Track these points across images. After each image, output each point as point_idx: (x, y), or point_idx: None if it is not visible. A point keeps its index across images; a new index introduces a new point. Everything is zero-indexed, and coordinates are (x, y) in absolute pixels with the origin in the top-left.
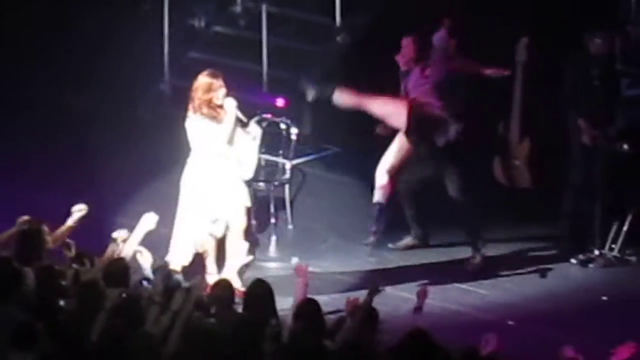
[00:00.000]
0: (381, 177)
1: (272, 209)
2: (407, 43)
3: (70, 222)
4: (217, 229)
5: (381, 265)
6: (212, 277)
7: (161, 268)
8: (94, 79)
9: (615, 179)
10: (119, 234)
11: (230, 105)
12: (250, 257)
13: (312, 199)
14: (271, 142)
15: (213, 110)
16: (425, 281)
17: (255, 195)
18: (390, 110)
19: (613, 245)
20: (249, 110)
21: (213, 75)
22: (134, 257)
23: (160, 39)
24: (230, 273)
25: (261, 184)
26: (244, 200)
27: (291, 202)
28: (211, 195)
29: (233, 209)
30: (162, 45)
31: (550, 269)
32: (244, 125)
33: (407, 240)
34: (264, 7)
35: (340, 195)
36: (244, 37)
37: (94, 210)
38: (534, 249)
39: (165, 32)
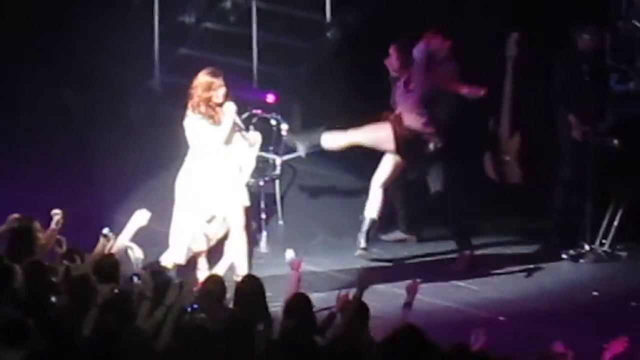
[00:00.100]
0: (375, 191)
1: (262, 205)
2: (392, 51)
3: (53, 225)
4: (211, 229)
5: (372, 261)
6: (203, 273)
7: (152, 264)
8: (86, 77)
9: (606, 174)
10: (109, 231)
11: (229, 109)
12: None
13: (303, 194)
14: (261, 137)
15: (211, 109)
16: (415, 277)
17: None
18: (377, 138)
19: (604, 241)
20: (239, 106)
21: (213, 74)
22: (124, 253)
23: (151, 36)
24: (240, 271)
25: (251, 180)
26: (243, 199)
27: (281, 198)
28: (207, 194)
29: (231, 208)
30: (152, 42)
31: (540, 265)
32: (242, 129)
33: (398, 233)
34: (254, 3)
35: (331, 190)
36: (234, 33)
37: (91, 209)
38: (524, 244)
39: (156, 28)
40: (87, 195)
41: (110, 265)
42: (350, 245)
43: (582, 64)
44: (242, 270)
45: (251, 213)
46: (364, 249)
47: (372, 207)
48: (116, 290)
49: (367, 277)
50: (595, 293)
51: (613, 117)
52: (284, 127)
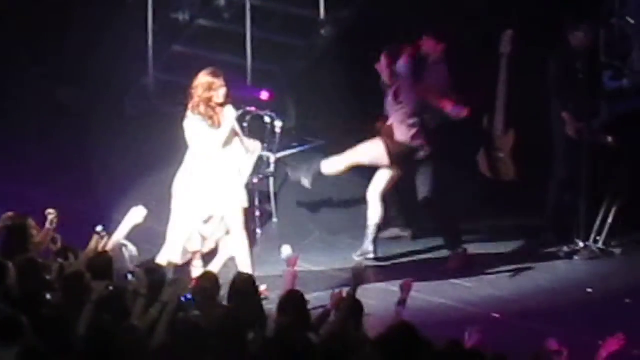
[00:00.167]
0: (375, 200)
1: (256, 202)
2: (382, 58)
3: (47, 225)
4: (208, 229)
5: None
6: (198, 272)
7: (147, 262)
8: (81, 75)
9: (600, 171)
10: (102, 229)
11: (229, 114)
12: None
13: (297, 192)
14: (256, 135)
15: (211, 109)
16: (410, 274)
17: None
18: (372, 157)
19: (598, 237)
20: (233, 103)
21: (214, 74)
22: (119, 250)
23: (145, 33)
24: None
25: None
26: (242, 201)
27: (275, 195)
28: (205, 195)
29: (230, 209)
30: (146, 40)
31: (535, 262)
32: (242, 136)
33: (393, 230)
34: (248, 1)
35: (325, 188)
36: (228, 31)
37: (87, 206)
38: (518, 241)
39: (150, 26)
40: (83, 193)
41: (104, 263)
42: (345, 243)
43: (575, 61)
44: (245, 269)
45: (249, 214)
46: (375, 258)
47: (375, 214)
48: (111, 288)
49: (362, 275)
50: (589, 290)
51: (607, 114)
52: (278, 124)
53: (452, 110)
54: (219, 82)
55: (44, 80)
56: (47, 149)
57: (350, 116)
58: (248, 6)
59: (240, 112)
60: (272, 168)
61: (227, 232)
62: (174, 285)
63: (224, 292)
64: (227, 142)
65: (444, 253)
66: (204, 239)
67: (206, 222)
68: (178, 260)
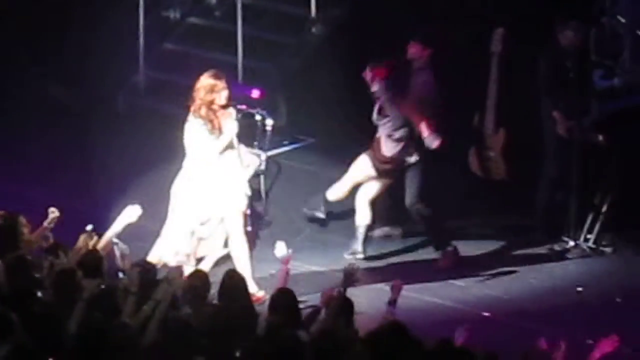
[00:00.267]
0: (363, 205)
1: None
2: (368, 70)
3: (45, 223)
4: (205, 231)
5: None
6: (189, 269)
7: (139, 261)
8: (72, 73)
9: (590, 170)
10: (92, 228)
11: (231, 126)
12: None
13: (288, 189)
14: (246, 133)
15: (212, 112)
16: (401, 273)
17: None
18: (362, 172)
19: (588, 236)
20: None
21: (216, 76)
22: (110, 248)
23: (136, 31)
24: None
25: None
26: (241, 204)
27: (266, 193)
28: (204, 197)
29: (229, 213)
30: (137, 37)
31: (525, 260)
32: (239, 150)
33: (384, 228)
34: None
35: (316, 186)
36: (219, 29)
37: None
38: (509, 240)
39: (141, 23)
40: (76, 191)
41: (95, 261)
42: (335, 241)
43: (566, 60)
44: (244, 272)
45: (247, 217)
46: (364, 257)
47: (363, 217)
48: (103, 286)
49: (353, 275)
50: (580, 289)
51: (598, 113)
52: (269, 122)
53: (428, 137)
54: (221, 84)
55: (36, 78)
56: (40, 147)
57: (342, 114)
58: (239, 4)
59: (238, 113)
60: (262, 166)
61: (225, 235)
62: (167, 283)
63: (214, 290)
64: (227, 147)
65: (435, 252)
66: (199, 240)
67: (203, 224)
68: (171, 260)
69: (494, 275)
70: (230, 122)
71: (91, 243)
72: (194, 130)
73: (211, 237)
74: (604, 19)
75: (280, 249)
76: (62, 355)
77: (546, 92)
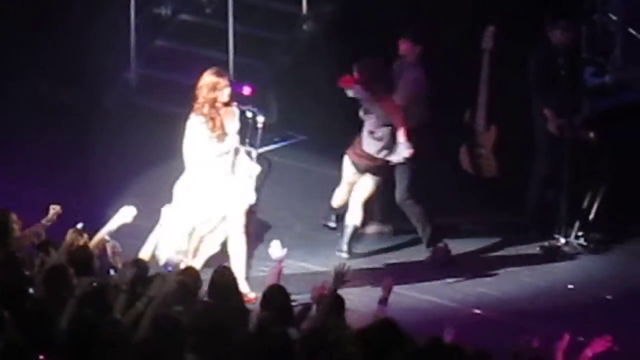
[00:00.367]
0: (356, 205)
1: None
2: (354, 69)
3: (44, 221)
4: (205, 229)
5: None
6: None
7: (131, 259)
8: (63, 70)
9: (581, 167)
10: (82, 226)
11: (234, 127)
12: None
13: (279, 187)
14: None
15: (215, 110)
16: (392, 270)
17: None
18: (347, 173)
19: (579, 234)
20: None
21: (218, 74)
22: (102, 246)
23: (127, 28)
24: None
25: None
26: (243, 203)
27: (258, 191)
28: (205, 196)
29: (232, 210)
30: (129, 34)
31: (516, 258)
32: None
33: (375, 225)
34: None
35: (307, 183)
36: (210, 25)
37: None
38: (500, 237)
39: (132, 20)
40: (65, 188)
41: (85, 257)
42: (326, 238)
43: (557, 57)
44: (240, 273)
45: (251, 217)
46: (347, 257)
47: (354, 217)
48: (95, 284)
49: (344, 275)
50: (570, 286)
51: (589, 110)
52: (260, 119)
53: (402, 144)
54: (223, 81)
55: (27, 76)
56: (32, 145)
57: (333, 111)
58: (230, 1)
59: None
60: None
61: (225, 233)
62: (161, 281)
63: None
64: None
65: (424, 249)
66: (201, 238)
67: (205, 222)
68: (171, 257)
69: (485, 273)
70: (232, 120)
71: (82, 241)
72: (195, 128)
73: (212, 235)
74: (596, 17)
75: (275, 248)
76: (54, 352)
77: (537, 90)
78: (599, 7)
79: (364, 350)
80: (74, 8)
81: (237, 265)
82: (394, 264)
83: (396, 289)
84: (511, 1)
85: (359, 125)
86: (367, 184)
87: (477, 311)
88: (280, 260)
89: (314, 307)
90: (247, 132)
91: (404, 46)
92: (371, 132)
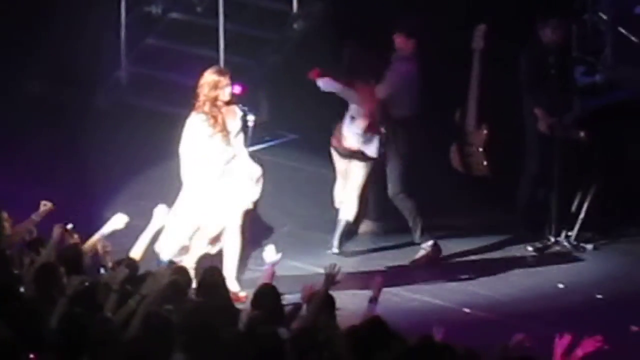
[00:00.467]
0: (352, 200)
1: None
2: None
3: (33, 216)
4: (213, 228)
5: (342, 254)
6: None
7: (123, 259)
8: (53, 68)
9: (572, 167)
10: (72, 227)
11: (235, 125)
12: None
13: (270, 185)
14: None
15: (216, 109)
16: (383, 269)
17: None
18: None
19: (569, 233)
20: None
21: (220, 72)
22: (94, 250)
23: (117, 26)
24: (228, 277)
25: None
26: (244, 202)
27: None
28: (210, 195)
29: (230, 210)
30: (119, 32)
31: (506, 257)
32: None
33: (367, 224)
34: None
35: (298, 181)
36: (200, 24)
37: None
38: (490, 236)
39: (122, 18)
40: (54, 186)
41: (75, 256)
42: (317, 237)
43: (548, 56)
44: (231, 272)
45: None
46: (337, 253)
47: (347, 212)
48: (87, 283)
49: (335, 276)
50: (560, 285)
51: (579, 110)
52: (251, 118)
53: (364, 130)
54: (224, 80)
55: (16, 74)
56: (23, 143)
57: (324, 110)
58: (221, 0)
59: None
60: None
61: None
62: (153, 279)
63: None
64: (235, 144)
65: (415, 247)
66: (208, 238)
67: (209, 221)
68: (170, 257)
69: (475, 272)
70: (234, 118)
71: (72, 241)
72: (196, 126)
73: (204, 234)
74: (586, 16)
75: (270, 252)
76: (44, 351)
77: (528, 89)
78: (590, 7)
79: (354, 350)
80: (64, 7)
81: (230, 264)
82: (385, 263)
83: (387, 288)
84: (502, 0)
85: None
86: (356, 173)
87: (468, 310)
88: (273, 264)
89: (305, 307)
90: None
91: (398, 40)
92: (352, 118)
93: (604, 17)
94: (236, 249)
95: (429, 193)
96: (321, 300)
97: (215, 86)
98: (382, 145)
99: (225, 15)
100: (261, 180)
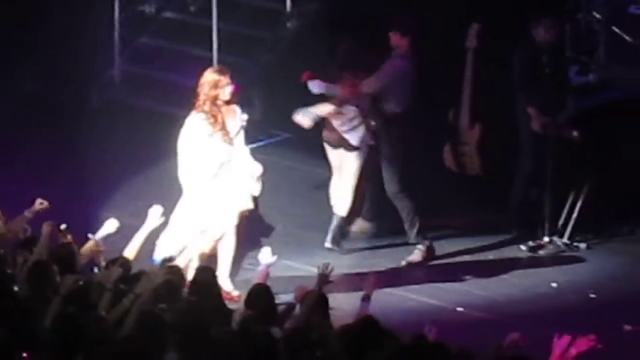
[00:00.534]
0: (344, 199)
1: None
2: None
3: (26, 212)
4: (218, 230)
5: (336, 254)
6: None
7: (117, 258)
8: (47, 67)
9: (565, 166)
10: (66, 227)
11: (235, 125)
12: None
13: (264, 184)
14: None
15: (217, 108)
16: (376, 268)
17: None
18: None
19: (563, 232)
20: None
21: (220, 72)
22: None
23: (111, 25)
24: (221, 276)
25: None
26: (242, 204)
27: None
28: (211, 196)
29: (225, 211)
30: (113, 31)
31: (500, 256)
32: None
33: (361, 223)
34: None
35: (292, 180)
36: (194, 23)
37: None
38: (483, 235)
39: (116, 17)
40: (47, 185)
41: (68, 255)
42: (311, 237)
43: (541, 55)
44: (225, 271)
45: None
46: (330, 248)
47: (341, 206)
48: (81, 282)
49: (328, 276)
50: (554, 284)
51: (573, 109)
52: (244, 117)
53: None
54: (225, 79)
55: (10, 73)
56: (16, 142)
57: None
58: None
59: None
60: None
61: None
62: (147, 278)
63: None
64: (235, 144)
65: (410, 247)
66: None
67: (213, 223)
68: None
69: (469, 271)
70: (234, 118)
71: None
72: (195, 126)
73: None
74: (579, 15)
75: (266, 254)
76: (37, 350)
77: (521, 88)
78: (583, 6)
79: (346, 349)
80: (58, 6)
81: (224, 263)
82: (379, 263)
83: (382, 288)
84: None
85: None
86: (348, 165)
87: (461, 309)
88: (268, 266)
89: (298, 307)
90: None
91: (393, 38)
92: (336, 115)
93: (598, 16)
94: (231, 249)
95: (422, 193)
96: (314, 300)
97: (216, 85)
98: (371, 137)
99: (219, 15)
100: (261, 178)
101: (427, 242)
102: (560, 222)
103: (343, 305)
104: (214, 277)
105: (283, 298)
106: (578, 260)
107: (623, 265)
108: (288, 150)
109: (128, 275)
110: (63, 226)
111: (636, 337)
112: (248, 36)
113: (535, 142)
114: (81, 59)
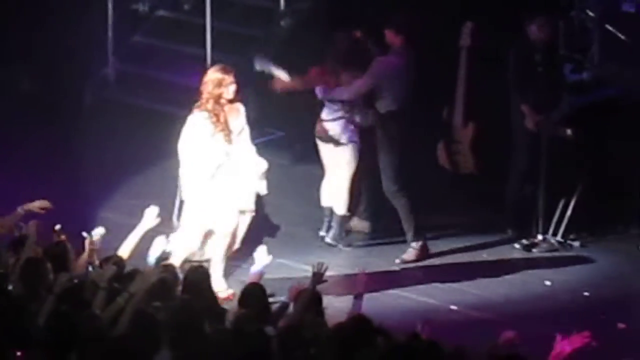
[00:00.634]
0: (340, 198)
1: None
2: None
3: (19, 209)
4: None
5: (330, 252)
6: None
7: (112, 257)
8: (41, 66)
9: (559, 164)
10: (60, 228)
11: (238, 123)
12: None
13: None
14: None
15: (220, 106)
16: (370, 268)
17: None
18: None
19: (557, 230)
20: (192, 95)
21: (224, 71)
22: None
23: (104, 23)
24: (214, 276)
25: None
26: (239, 204)
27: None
28: (214, 197)
29: (224, 211)
30: (106, 30)
31: (493, 254)
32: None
33: (355, 221)
34: None
35: (286, 179)
36: (188, 21)
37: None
38: (477, 233)
39: (110, 16)
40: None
41: (61, 253)
42: (305, 235)
43: (535, 53)
44: (218, 269)
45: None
46: (329, 244)
47: (339, 206)
48: (75, 281)
49: (322, 276)
50: (548, 282)
51: (567, 107)
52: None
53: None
54: (229, 78)
55: (5, 72)
56: (10, 141)
57: (312, 107)
58: None
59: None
60: None
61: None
62: (141, 277)
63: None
64: (240, 142)
65: (404, 246)
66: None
67: (219, 221)
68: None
69: (462, 270)
70: (237, 117)
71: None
72: (198, 124)
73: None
74: (573, 13)
75: (261, 253)
76: (31, 348)
77: (515, 86)
78: (577, 4)
79: (340, 347)
80: (52, 4)
81: (217, 261)
82: (373, 262)
83: (375, 286)
84: None
85: None
86: (341, 161)
87: (455, 308)
88: (263, 265)
89: (292, 305)
90: None
91: (388, 35)
92: (327, 111)
93: (591, 14)
94: (225, 248)
95: (416, 191)
96: (308, 298)
97: (219, 84)
98: (356, 134)
99: (213, 13)
100: (261, 175)
101: (421, 241)
102: (554, 220)
103: (336, 303)
104: (207, 275)
105: (277, 297)
106: (572, 258)
107: (617, 263)
108: (281, 149)
109: (122, 274)
110: (57, 227)
111: (630, 335)
112: (241, 34)
113: (529, 140)
114: (75, 58)
